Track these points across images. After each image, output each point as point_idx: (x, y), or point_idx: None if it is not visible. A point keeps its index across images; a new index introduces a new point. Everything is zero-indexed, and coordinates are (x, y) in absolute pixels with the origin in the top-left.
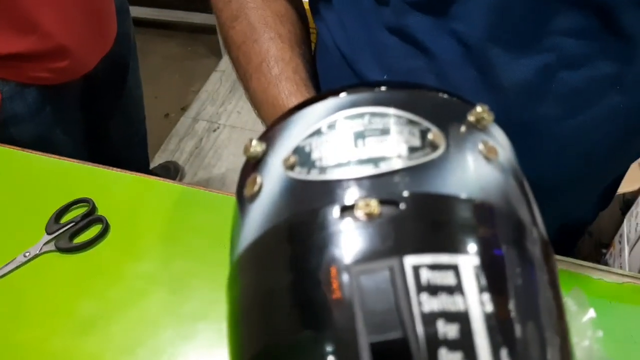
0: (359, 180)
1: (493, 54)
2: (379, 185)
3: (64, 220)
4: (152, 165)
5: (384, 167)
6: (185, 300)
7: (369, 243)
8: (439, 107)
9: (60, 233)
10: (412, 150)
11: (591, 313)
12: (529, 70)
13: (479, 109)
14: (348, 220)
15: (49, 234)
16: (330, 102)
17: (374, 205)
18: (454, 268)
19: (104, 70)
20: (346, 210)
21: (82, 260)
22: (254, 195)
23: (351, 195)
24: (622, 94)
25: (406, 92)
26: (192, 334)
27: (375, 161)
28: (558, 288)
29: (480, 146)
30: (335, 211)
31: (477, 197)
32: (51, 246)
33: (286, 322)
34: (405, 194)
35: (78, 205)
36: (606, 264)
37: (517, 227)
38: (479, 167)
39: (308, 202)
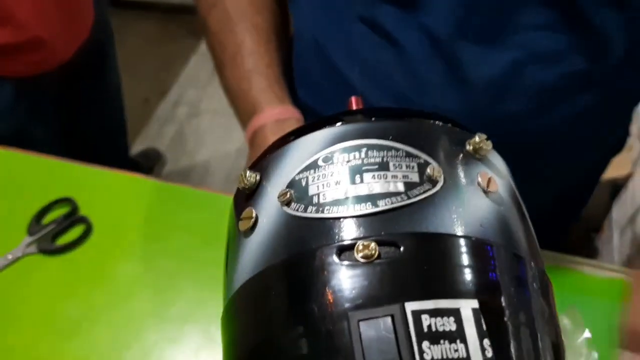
0: (357, 219)
1: (461, 48)
2: (378, 224)
3: (45, 220)
4: (132, 152)
5: (382, 205)
6: (171, 302)
7: (368, 288)
8: (436, 138)
9: (43, 234)
10: (410, 186)
11: (586, 333)
12: (497, 65)
13: (477, 138)
14: (347, 262)
15: (30, 235)
16: (326, 133)
17: (373, 248)
18: (455, 313)
19: (81, 59)
20: (345, 251)
21: (66, 262)
22: (249, 231)
23: (350, 235)
24: (592, 91)
25: (403, 122)
26: (179, 336)
27: (374, 199)
28: (556, 320)
29: (479, 179)
30: (334, 252)
31: (475, 235)
32: (34, 248)
33: None
34: (404, 234)
35: (60, 204)
36: (596, 249)
37: (516, 263)
38: (477, 202)
39: (305, 241)
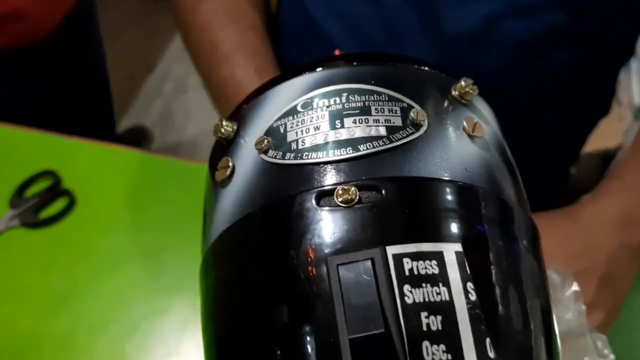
0: (337, 164)
1: (437, 0)
2: (359, 168)
3: (28, 194)
4: (119, 129)
5: (363, 150)
6: (157, 274)
7: (349, 232)
8: (421, 82)
9: (25, 208)
10: (393, 130)
11: (574, 286)
12: (474, 18)
13: (463, 83)
14: (326, 207)
15: (13, 208)
16: (305, 78)
17: (353, 192)
18: (438, 256)
19: (64, 30)
20: (324, 196)
21: (50, 235)
22: (226, 180)
23: (329, 180)
24: (571, 49)
25: (386, 66)
26: (166, 308)
27: (354, 143)
28: (544, 269)
29: (465, 123)
30: (313, 198)
31: (460, 179)
32: (16, 222)
33: (262, 318)
34: (385, 178)
35: (42, 177)
36: None
37: (502, 209)
38: (462, 146)
39: (284, 188)
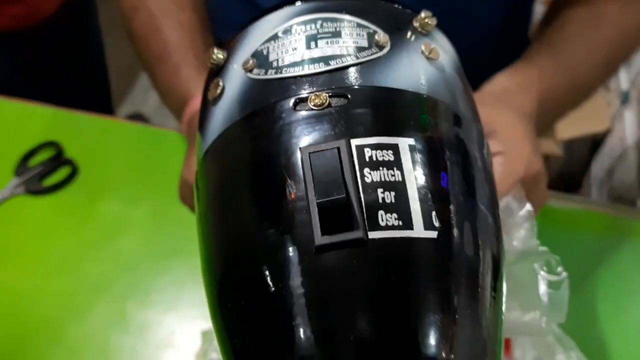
0: (311, 76)
1: None
2: (330, 80)
3: (32, 163)
4: (119, 115)
5: (334, 65)
6: (156, 238)
7: (320, 130)
8: (386, 14)
9: (30, 176)
10: (360, 49)
11: (528, 206)
12: None
13: (423, 14)
14: (302, 111)
15: (18, 176)
16: (285, 11)
17: (324, 97)
18: (394, 147)
19: (63, 16)
20: (300, 102)
21: (53, 202)
22: (217, 98)
23: (304, 90)
24: None
25: (357, 1)
26: (165, 269)
27: (326, 59)
28: (491, 177)
29: (423, 47)
30: (290, 103)
31: (417, 90)
32: (21, 189)
33: (250, 200)
34: (354, 86)
35: (46, 148)
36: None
37: (455, 119)
38: (420, 65)
39: (266, 98)
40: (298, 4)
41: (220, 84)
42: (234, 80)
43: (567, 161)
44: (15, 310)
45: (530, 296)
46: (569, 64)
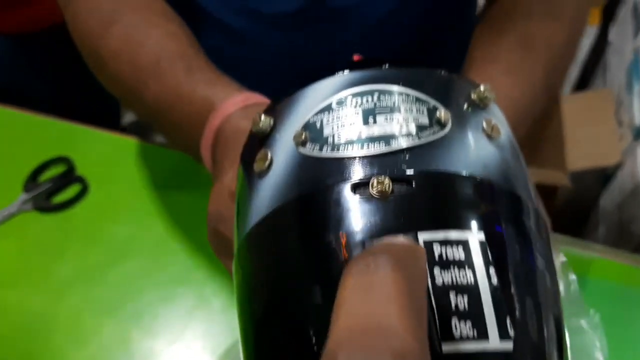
0: (371, 158)
1: None
2: (392, 163)
3: (42, 179)
4: (124, 122)
5: (394, 145)
6: (165, 264)
7: (383, 220)
8: (444, 85)
9: (39, 192)
10: (421, 128)
11: (562, 257)
12: None
13: (482, 88)
14: (361, 197)
15: (26, 192)
16: (338, 79)
17: (387, 184)
18: (464, 243)
19: None
20: (359, 187)
21: (61, 221)
22: (264, 171)
23: (364, 172)
24: None
25: (412, 70)
26: (173, 297)
27: (387, 139)
28: (551, 256)
29: (484, 124)
30: (349, 188)
31: (480, 175)
32: (29, 205)
33: (299, 298)
34: (416, 172)
35: (56, 163)
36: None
37: (516, 204)
38: (484, 145)
39: (321, 178)
40: (350, 72)
41: (269, 156)
42: (284, 154)
43: (576, 193)
44: (18, 332)
45: None
46: (511, 99)
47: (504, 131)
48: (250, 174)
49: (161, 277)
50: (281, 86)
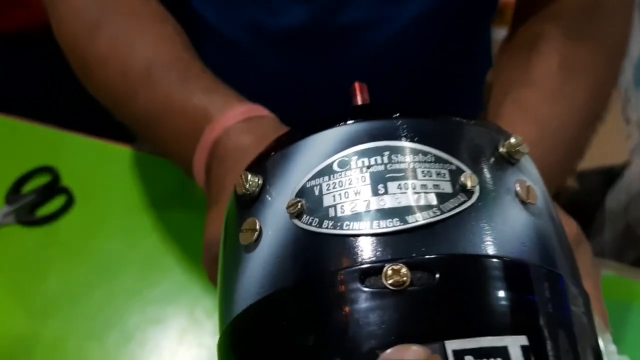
0: (383, 237)
1: None
2: (408, 244)
3: (25, 190)
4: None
5: (411, 221)
6: (155, 281)
7: (401, 323)
8: (467, 139)
9: (22, 205)
10: (442, 197)
11: (611, 346)
12: None
13: (513, 140)
14: (373, 290)
15: (8, 204)
16: (340, 131)
17: (405, 274)
18: (503, 352)
19: None
20: (370, 275)
21: (45, 235)
22: (252, 245)
23: (375, 256)
24: None
25: (428, 121)
26: (163, 318)
27: (401, 214)
28: (598, 346)
29: (518, 188)
30: (357, 277)
31: (519, 256)
32: (11, 218)
33: None
34: (440, 256)
35: (40, 173)
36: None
37: (558, 287)
38: (517, 216)
39: (322, 262)
40: (354, 122)
41: (257, 226)
42: (276, 225)
43: (581, 193)
44: (1, 356)
45: None
46: (552, 130)
47: (540, 193)
48: (236, 245)
49: (150, 296)
50: (280, 108)
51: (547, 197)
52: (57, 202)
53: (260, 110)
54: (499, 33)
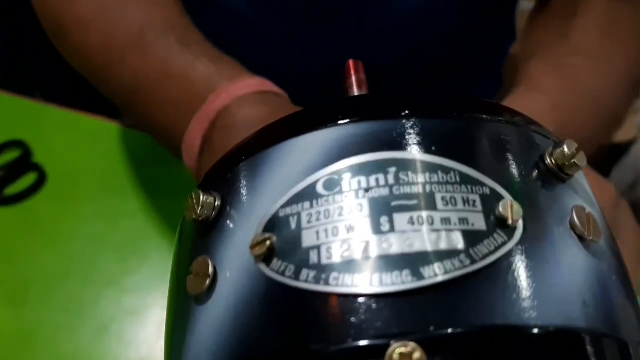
0: (388, 300)
1: None
2: (424, 311)
3: None
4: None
5: (429, 275)
6: (134, 268)
7: None
8: (502, 146)
9: None
10: (473, 238)
11: None
12: None
13: (566, 148)
14: None
15: None
16: (327, 136)
17: (419, 359)
18: None
19: None
20: (369, 359)
21: (14, 215)
22: (204, 295)
23: (376, 330)
24: None
25: (449, 122)
26: (141, 310)
27: (414, 264)
28: None
29: (575, 219)
30: None
31: (583, 325)
32: None
33: None
34: (470, 331)
35: (10, 148)
36: None
37: (627, 358)
38: (575, 261)
39: (299, 336)
40: (346, 122)
41: (210, 269)
42: (236, 269)
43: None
44: None
45: None
46: (587, 89)
47: (600, 223)
48: (183, 291)
49: (128, 285)
50: (285, 84)
51: (607, 226)
52: (27, 180)
53: (274, 87)
54: (526, 5)
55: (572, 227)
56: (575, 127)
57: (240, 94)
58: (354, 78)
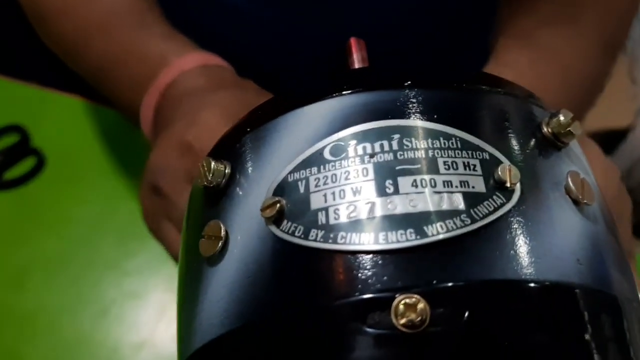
0: (393, 256)
1: None
2: (427, 266)
3: None
4: None
5: (431, 234)
6: (134, 251)
7: None
8: (501, 115)
9: None
10: (473, 199)
11: None
12: None
13: (562, 117)
14: (378, 332)
15: None
16: (332, 105)
17: (422, 310)
18: None
19: None
20: (374, 311)
21: (13, 200)
22: (216, 256)
23: (381, 284)
24: None
25: (450, 92)
26: (141, 292)
27: (417, 222)
28: None
29: (570, 183)
30: (357, 314)
31: (576, 280)
32: None
33: None
34: (471, 285)
35: (8, 133)
36: None
37: (617, 314)
38: (569, 222)
39: (308, 290)
40: (351, 92)
41: (222, 232)
42: (247, 232)
43: None
44: None
45: None
46: (554, 56)
47: (594, 189)
48: (196, 254)
49: (128, 268)
50: (269, 75)
51: (600, 192)
52: (26, 164)
53: (219, 61)
54: None
55: (567, 191)
56: (546, 94)
57: (186, 69)
58: (355, 55)
